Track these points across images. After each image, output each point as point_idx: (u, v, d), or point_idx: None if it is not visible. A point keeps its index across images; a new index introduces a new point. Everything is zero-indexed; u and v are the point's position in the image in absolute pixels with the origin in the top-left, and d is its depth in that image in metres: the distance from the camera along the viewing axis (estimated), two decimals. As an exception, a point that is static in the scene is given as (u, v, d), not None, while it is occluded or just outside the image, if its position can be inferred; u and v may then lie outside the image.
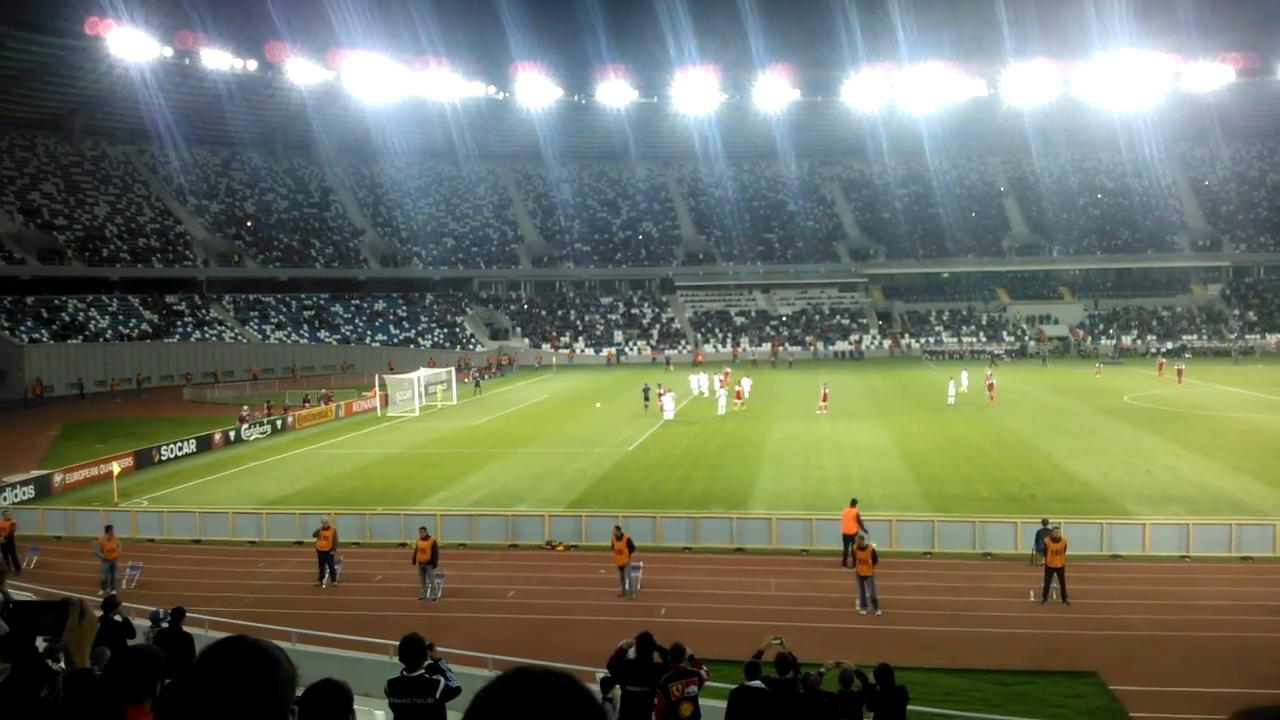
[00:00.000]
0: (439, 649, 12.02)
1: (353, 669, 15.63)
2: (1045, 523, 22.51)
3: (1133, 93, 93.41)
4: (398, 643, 10.39)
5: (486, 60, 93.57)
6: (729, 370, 64.00)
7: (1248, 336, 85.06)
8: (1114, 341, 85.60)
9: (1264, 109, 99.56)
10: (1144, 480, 31.40)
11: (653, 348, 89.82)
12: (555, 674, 1.76)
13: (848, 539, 23.28)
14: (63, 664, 3.28)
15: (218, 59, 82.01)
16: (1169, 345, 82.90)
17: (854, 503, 24.18)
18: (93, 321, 73.19)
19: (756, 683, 11.10)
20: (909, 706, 11.78)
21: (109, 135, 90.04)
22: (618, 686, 11.83)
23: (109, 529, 24.11)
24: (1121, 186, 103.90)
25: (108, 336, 72.27)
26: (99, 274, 77.21)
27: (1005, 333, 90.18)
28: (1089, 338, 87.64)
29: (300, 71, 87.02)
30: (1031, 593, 20.91)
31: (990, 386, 52.48)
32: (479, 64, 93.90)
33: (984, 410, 48.84)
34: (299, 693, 4.26)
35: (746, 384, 55.17)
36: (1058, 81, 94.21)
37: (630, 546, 21.79)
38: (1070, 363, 77.46)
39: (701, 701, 11.68)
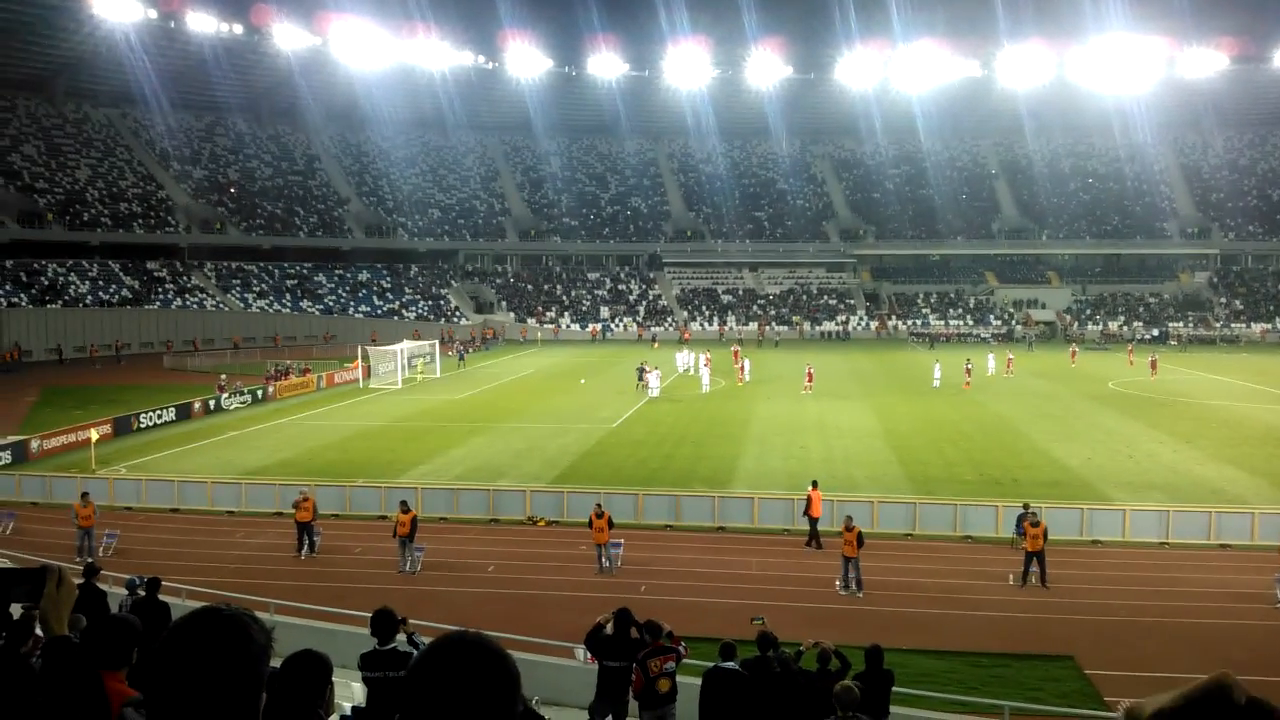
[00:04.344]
0: (417, 622, 11.92)
1: (331, 640, 15.56)
2: (1026, 507, 22.56)
3: (1127, 77, 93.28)
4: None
5: (476, 28, 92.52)
6: (737, 348, 63.44)
7: (1233, 325, 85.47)
8: (1100, 327, 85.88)
9: (1257, 97, 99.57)
10: (1125, 466, 31.51)
11: (639, 324, 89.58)
12: (472, 639, 1.90)
13: (814, 521, 23.39)
14: (39, 631, 3.23)
15: (203, 22, 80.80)
16: (1155, 332, 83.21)
17: (815, 484, 24.24)
18: (72, 286, 72.47)
19: (731, 664, 11.03)
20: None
21: (91, 98, 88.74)
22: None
23: (85, 495, 23.90)
24: (1113, 171, 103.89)
25: (87, 302, 71.63)
26: (79, 238, 76.39)
27: (992, 316, 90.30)
28: (1075, 323, 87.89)
29: (287, 36, 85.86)
30: (1011, 576, 20.98)
31: (968, 372, 52.26)
32: (468, 32, 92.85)
33: (968, 394, 48.92)
34: (277, 663, 4.13)
35: (746, 365, 55.02)
36: (1052, 64, 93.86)
37: (611, 525, 21.72)
38: (1057, 347, 77.62)
39: (679, 678, 11.65)
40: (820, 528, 23.38)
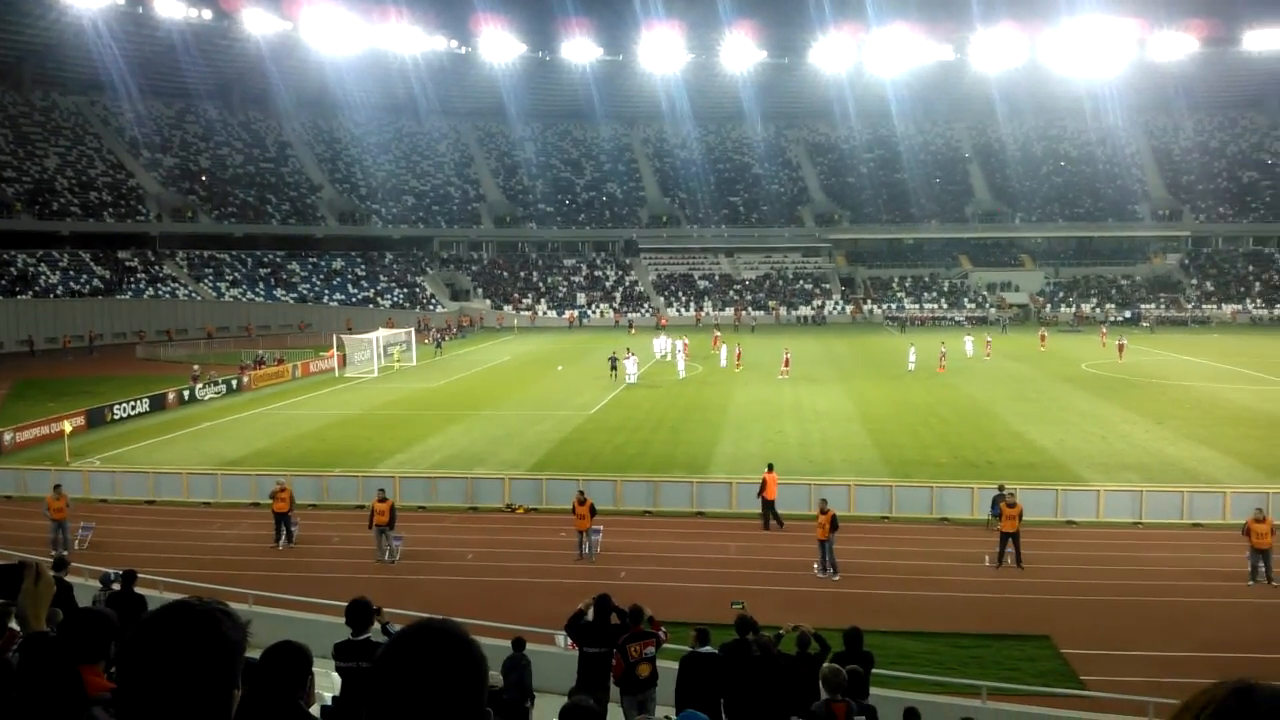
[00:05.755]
0: (396, 611, 11.90)
1: (309, 631, 15.51)
2: (1001, 488, 22.70)
3: (1098, 60, 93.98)
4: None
5: (448, 13, 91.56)
6: (718, 334, 63.82)
7: (1204, 306, 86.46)
8: (1073, 309, 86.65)
9: (1226, 80, 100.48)
10: (1099, 448, 31.83)
11: (616, 311, 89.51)
12: (437, 626, 1.91)
13: (769, 504, 23.61)
14: (17, 627, 3.19)
15: (171, 7, 79.73)
16: (1126, 314, 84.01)
17: (770, 468, 24.41)
18: (43, 277, 71.50)
19: (708, 648, 11.09)
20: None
21: (60, 85, 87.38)
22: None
23: (57, 488, 23.61)
24: (1085, 154, 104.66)
25: (58, 292, 70.69)
26: (49, 228, 75.37)
27: (966, 299, 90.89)
28: (1048, 305, 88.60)
29: (257, 21, 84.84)
30: (986, 557, 21.15)
31: (942, 356, 52.52)
32: (440, 16, 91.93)
33: (942, 377, 49.23)
34: (257, 654, 4.09)
35: (723, 350, 55.00)
36: (1024, 48, 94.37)
37: (593, 511, 21.73)
38: (1030, 330, 78.18)
39: (659, 663, 11.69)
40: (802, 512, 23.48)
